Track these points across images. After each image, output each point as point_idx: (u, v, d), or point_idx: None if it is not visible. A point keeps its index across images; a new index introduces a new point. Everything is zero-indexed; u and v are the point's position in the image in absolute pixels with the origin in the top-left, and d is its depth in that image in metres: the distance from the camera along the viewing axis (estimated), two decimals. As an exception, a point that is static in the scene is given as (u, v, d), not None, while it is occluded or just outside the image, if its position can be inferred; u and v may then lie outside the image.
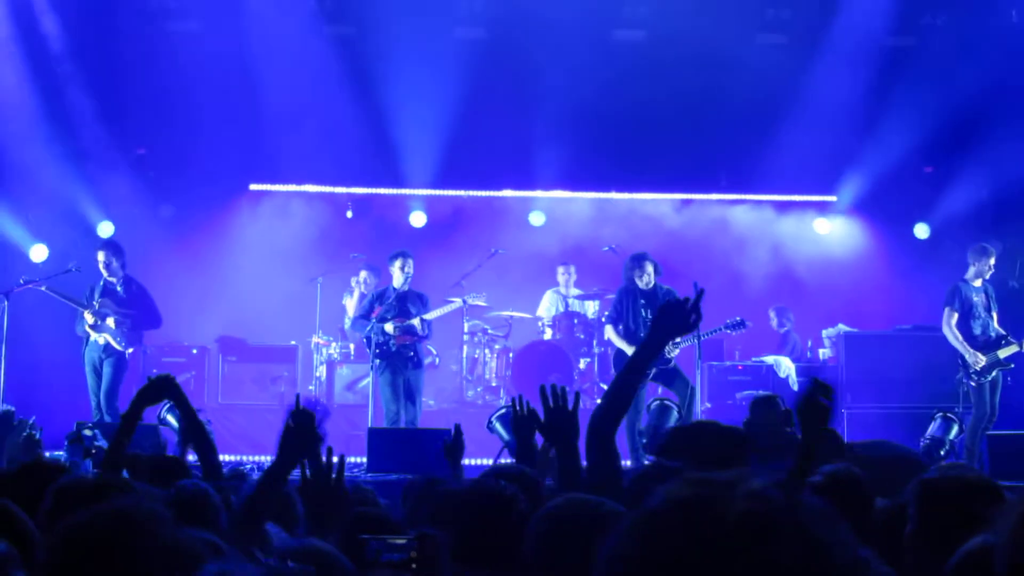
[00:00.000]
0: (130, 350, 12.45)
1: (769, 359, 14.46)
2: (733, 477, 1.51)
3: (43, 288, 12.56)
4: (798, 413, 4.13)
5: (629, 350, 11.60)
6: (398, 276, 12.52)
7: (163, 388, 5.71)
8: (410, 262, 12.55)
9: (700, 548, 1.45)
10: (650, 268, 11.86)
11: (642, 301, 11.83)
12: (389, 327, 12.39)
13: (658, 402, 11.18)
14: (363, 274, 14.83)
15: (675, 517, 1.48)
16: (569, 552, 3.07)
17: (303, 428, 3.98)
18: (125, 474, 5.22)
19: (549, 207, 16.54)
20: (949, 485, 3.50)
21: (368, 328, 12.48)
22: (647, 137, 15.64)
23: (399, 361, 12.38)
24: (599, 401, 4.29)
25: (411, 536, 3.12)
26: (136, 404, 5.55)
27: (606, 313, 12.86)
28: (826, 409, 4.10)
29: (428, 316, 12.62)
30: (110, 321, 12.32)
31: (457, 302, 13.27)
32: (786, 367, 14.29)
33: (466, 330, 14.69)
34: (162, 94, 15.02)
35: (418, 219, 16.37)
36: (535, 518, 3.28)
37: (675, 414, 10.94)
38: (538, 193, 16.41)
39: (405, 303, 12.55)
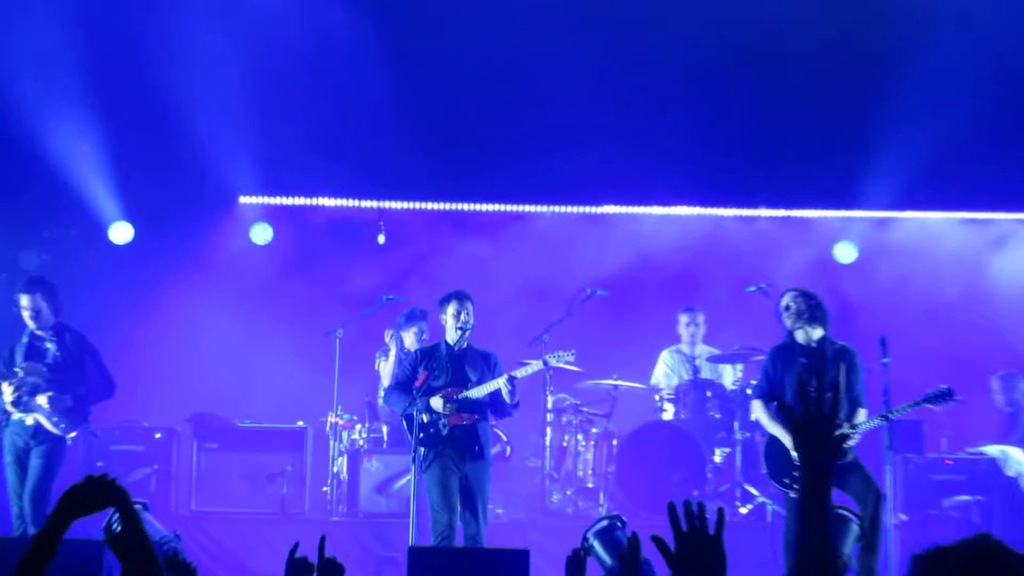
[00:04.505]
0: (71, 435, 11.48)
1: (992, 450, 13.70)
2: None
3: None
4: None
5: (785, 438, 10.76)
6: (451, 328, 11.44)
7: (100, 494, 5.44)
8: (469, 306, 11.49)
9: None
10: (809, 310, 10.99)
11: (803, 361, 10.83)
12: (437, 401, 11.27)
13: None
14: (410, 333, 14.21)
15: None
16: None
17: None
18: None
19: (660, 226, 16.19)
20: None
21: (408, 403, 11.36)
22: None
23: (453, 450, 11.27)
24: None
25: None
26: (55, 516, 5.27)
27: (752, 382, 12.40)
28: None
29: (490, 386, 11.43)
30: (41, 399, 11.46)
31: (535, 364, 11.74)
32: (1016, 461, 13.80)
33: (550, 406, 13.93)
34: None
35: (476, 245, 16.00)
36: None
37: (855, 528, 9.99)
38: (654, 209, 16.10)
39: (462, 366, 11.46)
